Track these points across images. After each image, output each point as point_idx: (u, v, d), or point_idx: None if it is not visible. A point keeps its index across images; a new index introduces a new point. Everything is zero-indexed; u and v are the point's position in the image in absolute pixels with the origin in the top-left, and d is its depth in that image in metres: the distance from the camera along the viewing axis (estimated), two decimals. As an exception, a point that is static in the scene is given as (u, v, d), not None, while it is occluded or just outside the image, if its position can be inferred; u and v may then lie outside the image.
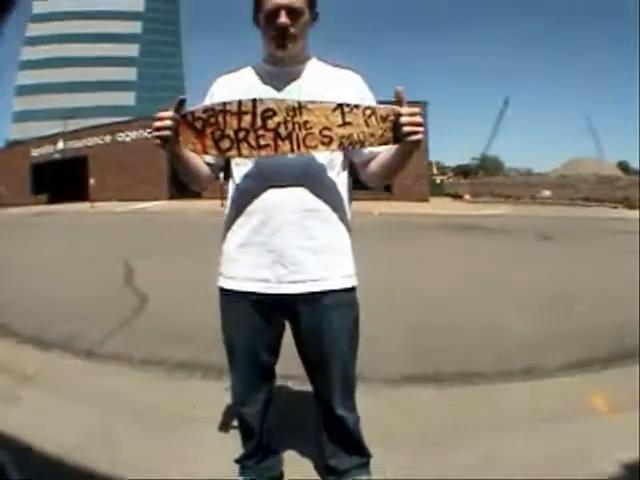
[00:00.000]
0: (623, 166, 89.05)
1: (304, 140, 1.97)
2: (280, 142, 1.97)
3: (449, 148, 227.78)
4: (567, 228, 19.15)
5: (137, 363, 4.83)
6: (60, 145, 43.29)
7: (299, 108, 1.96)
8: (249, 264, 2.12)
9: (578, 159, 73.75)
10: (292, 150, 1.99)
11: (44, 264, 10.95)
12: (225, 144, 2.01)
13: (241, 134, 1.98)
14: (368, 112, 1.97)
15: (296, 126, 1.96)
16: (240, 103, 1.97)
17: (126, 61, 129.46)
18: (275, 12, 2.10)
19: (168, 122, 1.95)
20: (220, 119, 1.98)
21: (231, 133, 1.98)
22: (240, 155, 2.04)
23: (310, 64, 2.28)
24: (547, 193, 47.85)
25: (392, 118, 1.96)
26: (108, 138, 41.94)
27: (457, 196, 47.01)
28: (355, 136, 1.96)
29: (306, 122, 1.95)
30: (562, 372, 4.50)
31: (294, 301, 2.12)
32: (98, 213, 28.59)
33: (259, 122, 1.97)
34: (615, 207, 36.06)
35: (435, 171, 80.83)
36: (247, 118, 1.97)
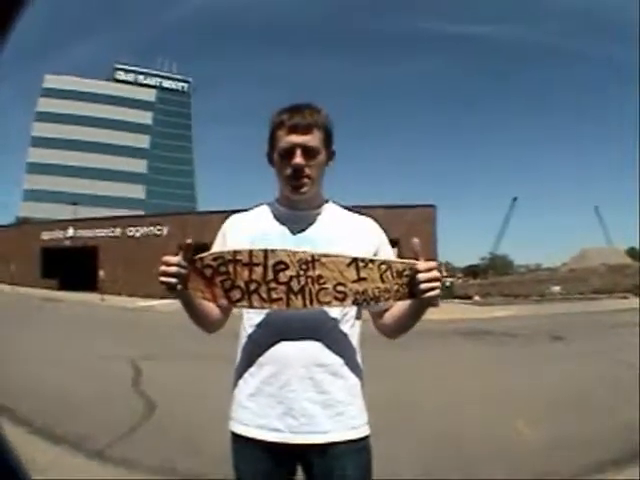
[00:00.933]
0: (632, 252, 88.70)
1: (317, 295, 1.89)
2: (292, 296, 1.89)
3: (458, 249, 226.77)
4: (577, 325, 19.11)
5: (146, 470, 4.83)
6: (70, 232, 43.47)
7: (312, 262, 1.89)
8: (260, 413, 2.03)
9: (587, 250, 73.72)
10: (305, 305, 1.90)
11: (53, 355, 11.12)
12: (236, 295, 1.93)
13: (252, 286, 1.91)
14: (384, 267, 1.91)
15: (309, 280, 1.89)
16: (251, 253, 1.91)
17: (137, 152, 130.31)
18: (290, 151, 2.04)
19: (174, 269, 1.88)
20: (230, 269, 1.92)
21: (242, 284, 1.91)
22: (251, 307, 1.96)
23: (326, 208, 2.22)
24: (557, 289, 47.83)
25: (408, 273, 1.89)
26: (118, 231, 42.19)
27: (467, 297, 46.93)
28: (370, 292, 1.89)
29: (319, 276, 1.89)
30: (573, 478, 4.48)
31: (305, 450, 2.03)
32: (108, 307, 28.65)
33: (271, 274, 1.89)
34: (625, 297, 35.91)
35: (444, 273, 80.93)
36: (258, 270, 1.90)
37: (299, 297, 1.89)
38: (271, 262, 1.89)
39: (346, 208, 2.29)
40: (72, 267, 40.39)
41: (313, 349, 2.01)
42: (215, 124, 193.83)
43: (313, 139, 2.06)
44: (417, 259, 1.90)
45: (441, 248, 40.71)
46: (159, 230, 40.38)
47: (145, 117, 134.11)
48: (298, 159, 2.03)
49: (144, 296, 32.79)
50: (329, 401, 2.01)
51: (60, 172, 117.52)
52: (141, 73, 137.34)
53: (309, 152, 2.05)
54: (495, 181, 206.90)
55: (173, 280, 1.87)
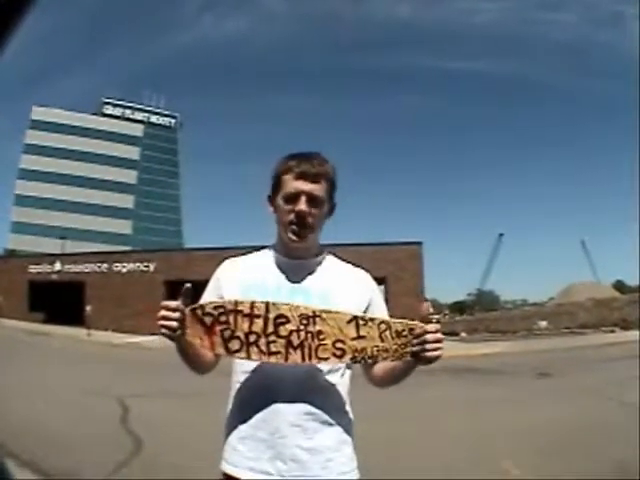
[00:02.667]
0: (619, 286, 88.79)
1: (316, 351, 1.91)
2: (291, 351, 1.91)
3: (444, 285, 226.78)
4: (564, 361, 19.03)
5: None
6: (57, 266, 43.30)
7: (313, 317, 1.90)
8: (250, 456, 2.03)
9: (574, 284, 73.57)
10: (303, 360, 1.92)
11: (40, 390, 11.11)
12: (234, 345, 1.93)
13: (252, 337, 1.92)
14: (383, 326, 1.92)
15: (309, 336, 1.90)
16: (253, 305, 1.91)
17: (124, 187, 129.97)
18: (295, 197, 2.07)
19: (174, 314, 1.89)
20: (231, 319, 1.92)
21: (241, 335, 1.92)
22: (249, 359, 1.96)
23: (322, 258, 2.25)
24: (544, 324, 47.74)
25: (407, 333, 1.91)
26: (105, 266, 42.08)
27: (453, 334, 46.87)
28: (369, 350, 1.91)
29: (319, 332, 1.90)
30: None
31: None
32: (95, 343, 28.47)
33: (271, 328, 1.90)
34: (612, 331, 35.91)
35: (431, 310, 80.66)
36: (259, 322, 1.91)
37: (298, 352, 1.91)
38: (272, 315, 1.90)
39: (342, 259, 2.31)
40: (59, 301, 40.19)
41: (303, 398, 2.03)
42: (202, 161, 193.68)
43: (319, 189, 2.10)
44: (425, 321, 1.92)
45: (427, 285, 40.72)
46: (146, 266, 40.39)
47: (132, 152, 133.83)
48: (303, 206, 2.07)
49: (130, 332, 32.65)
50: (318, 448, 2.03)
51: (47, 205, 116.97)
52: (129, 108, 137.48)
53: (314, 201, 2.09)
54: (481, 217, 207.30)
55: (172, 324, 1.89)
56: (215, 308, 1.94)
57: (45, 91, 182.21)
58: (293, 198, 2.08)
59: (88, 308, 37.05)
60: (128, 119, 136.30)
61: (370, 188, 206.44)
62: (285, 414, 2.01)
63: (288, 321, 1.90)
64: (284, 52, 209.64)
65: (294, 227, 2.09)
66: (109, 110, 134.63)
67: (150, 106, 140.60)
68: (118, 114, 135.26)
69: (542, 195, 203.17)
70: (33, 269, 44.75)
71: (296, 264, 2.18)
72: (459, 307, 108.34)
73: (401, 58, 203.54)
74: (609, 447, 6.76)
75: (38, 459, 5.96)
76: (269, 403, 2.02)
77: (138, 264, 40.87)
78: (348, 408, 2.18)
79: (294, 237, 2.11)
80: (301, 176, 2.08)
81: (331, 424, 2.07)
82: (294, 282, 2.14)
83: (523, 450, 7.10)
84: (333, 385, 2.11)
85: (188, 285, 1.95)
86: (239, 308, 1.91)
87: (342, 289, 2.14)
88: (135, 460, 6.47)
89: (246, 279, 2.15)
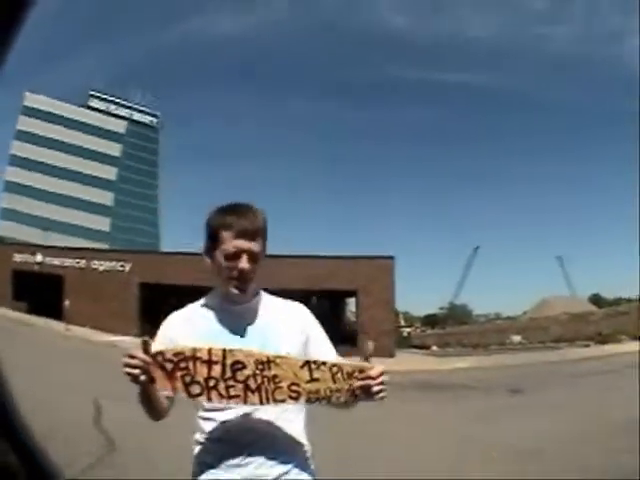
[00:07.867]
0: (595, 299, 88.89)
1: (273, 393, 2.01)
2: (250, 394, 2.01)
3: (416, 298, 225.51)
4: (537, 377, 19.12)
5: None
6: (38, 257, 42.86)
7: (268, 362, 2.00)
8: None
9: (548, 298, 73.86)
10: (261, 402, 2.02)
11: (13, 384, 10.92)
12: (195, 390, 2.01)
13: (211, 382, 1.99)
14: (334, 369, 2.02)
15: (265, 380, 2.00)
16: (210, 352, 1.99)
17: (104, 183, 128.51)
18: (237, 255, 2.12)
19: (137, 362, 1.94)
20: (190, 365, 1.99)
21: (201, 380, 2.00)
22: (209, 401, 2.05)
23: (261, 298, 2.32)
24: (517, 338, 48.07)
25: (357, 375, 2.02)
26: (83, 262, 41.69)
27: (424, 347, 46.91)
28: (322, 392, 2.02)
29: (275, 376, 2.00)
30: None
31: None
32: (72, 338, 28.44)
33: (229, 373, 1.99)
34: (587, 345, 35.99)
35: (403, 322, 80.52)
36: (217, 368, 1.98)
37: (256, 394, 2.01)
38: (229, 361, 1.99)
39: (272, 293, 2.39)
40: (40, 292, 39.83)
41: (264, 425, 2.14)
42: (181, 163, 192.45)
43: (259, 245, 2.16)
44: (367, 361, 2.03)
45: (399, 297, 40.84)
46: (121, 266, 40.18)
47: (114, 148, 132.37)
48: (245, 265, 2.13)
49: (107, 330, 32.52)
50: (283, 467, 2.14)
51: (29, 194, 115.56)
52: (114, 103, 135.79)
53: (254, 257, 2.15)
54: (454, 230, 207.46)
55: (136, 372, 1.94)
56: (175, 355, 2.00)
57: (38, 78, 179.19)
58: (234, 256, 2.13)
59: (66, 303, 36.77)
60: (112, 114, 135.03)
61: (345, 200, 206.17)
62: (248, 447, 2.11)
63: (245, 367, 1.99)
64: (272, 55, 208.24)
65: (236, 282, 2.16)
66: (94, 104, 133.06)
67: (134, 102, 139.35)
68: (103, 108, 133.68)
69: (517, 208, 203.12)
70: (18, 258, 44.35)
71: (237, 309, 2.24)
72: (431, 320, 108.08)
73: (395, 70, 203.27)
74: (579, 460, 6.91)
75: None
76: (234, 437, 2.12)
77: (114, 263, 40.62)
78: (305, 437, 2.28)
79: (237, 292, 2.18)
80: (240, 235, 2.12)
81: (293, 454, 2.19)
82: (243, 326, 2.22)
83: (491, 467, 7.18)
84: (293, 413, 2.22)
85: (146, 339, 1.99)
86: (197, 355, 1.99)
87: (281, 327, 2.24)
88: (108, 461, 6.53)
89: (197, 332, 2.20)
